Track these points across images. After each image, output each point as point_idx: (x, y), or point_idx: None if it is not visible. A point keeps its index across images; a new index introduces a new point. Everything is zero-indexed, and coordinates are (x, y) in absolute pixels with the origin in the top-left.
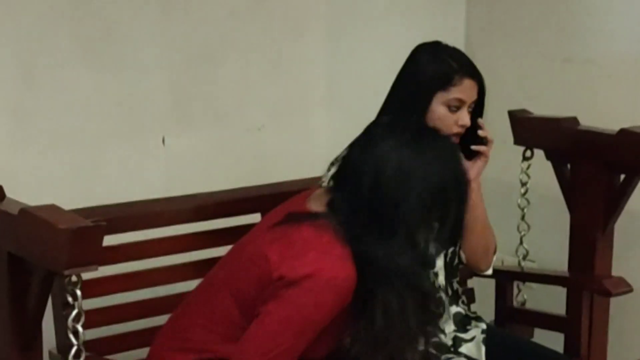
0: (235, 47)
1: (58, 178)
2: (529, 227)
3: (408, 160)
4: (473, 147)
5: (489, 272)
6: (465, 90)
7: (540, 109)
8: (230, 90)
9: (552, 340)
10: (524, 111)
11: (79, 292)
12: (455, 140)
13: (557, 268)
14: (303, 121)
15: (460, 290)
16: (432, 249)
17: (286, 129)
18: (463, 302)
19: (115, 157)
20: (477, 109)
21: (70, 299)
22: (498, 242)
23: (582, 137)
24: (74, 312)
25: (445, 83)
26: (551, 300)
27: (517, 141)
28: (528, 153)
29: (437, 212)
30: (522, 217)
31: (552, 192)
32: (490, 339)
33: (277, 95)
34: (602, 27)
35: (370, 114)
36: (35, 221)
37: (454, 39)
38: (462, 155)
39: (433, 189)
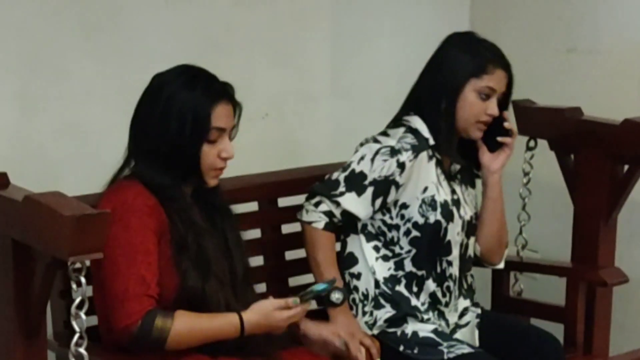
0: (240, 36)
1: (62, 165)
2: (529, 217)
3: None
4: (499, 139)
5: (501, 265)
6: (497, 80)
7: (544, 99)
8: (234, 79)
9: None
10: (527, 101)
11: (83, 280)
12: (482, 128)
13: (560, 258)
14: (308, 110)
15: (474, 284)
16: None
17: (291, 118)
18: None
19: (119, 145)
20: (503, 102)
21: (74, 286)
22: None
23: (586, 127)
24: (78, 300)
25: (479, 71)
26: (554, 291)
27: (521, 131)
28: (532, 143)
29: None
30: (523, 207)
31: (556, 182)
32: (484, 324)
33: (282, 84)
34: (606, 17)
35: (374, 102)
36: (39, 208)
37: (459, 28)
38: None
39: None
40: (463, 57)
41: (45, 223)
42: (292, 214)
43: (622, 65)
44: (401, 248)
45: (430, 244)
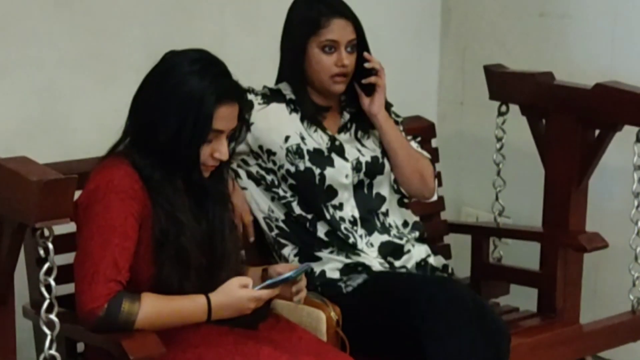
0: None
1: (31, 131)
2: (504, 182)
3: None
4: (363, 81)
5: (434, 198)
6: (335, 30)
7: (516, 63)
8: (205, 43)
9: (528, 295)
10: (499, 66)
11: (50, 246)
12: (341, 81)
13: (531, 223)
14: None
15: (387, 221)
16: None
17: (262, 83)
18: (417, 238)
19: (89, 110)
20: (361, 46)
21: (42, 253)
22: (473, 198)
23: (558, 92)
24: (46, 266)
25: (315, 27)
26: (527, 255)
27: (493, 96)
28: (503, 108)
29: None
30: (498, 173)
31: (527, 148)
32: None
33: (254, 48)
34: None
35: None
36: (6, 173)
37: None
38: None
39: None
40: (298, 17)
41: (11, 188)
42: None
43: (594, 30)
44: (284, 192)
45: (307, 190)
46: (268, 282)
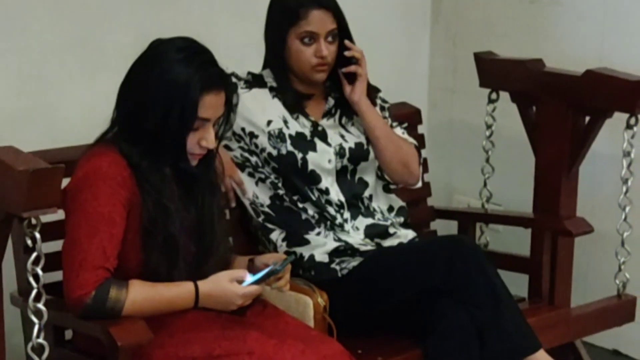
0: None
1: (18, 120)
2: (493, 169)
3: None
4: (343, 70)
5: (419, 185)
6: (314, 22)
7: (506, 50)
8: (194, 33)
9: (517, 281)
10: (489, 53)
11: (38, 235)
12: (322, 70)
13: (523, 210)
14: None
15: (372, 205)
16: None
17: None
18: (402, 224)
19: (77, 98)
20: (343, 35)
21: (29, 242)
22: (464, 186)
23: (548, 78)
24: (34, 255)
25: (294, 18)
26: (518, 243)
27: (483, 83)
28: (494, 95)
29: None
30: (487, 160)
31: (518, 135)
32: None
33: (244, 41)
34: None
35: None
36: None
37: None
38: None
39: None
40: (278, 8)
41: None
42: None
43: (584, 17)
44: (269, 173)
45: (291, 173)
46: (254, 278)
